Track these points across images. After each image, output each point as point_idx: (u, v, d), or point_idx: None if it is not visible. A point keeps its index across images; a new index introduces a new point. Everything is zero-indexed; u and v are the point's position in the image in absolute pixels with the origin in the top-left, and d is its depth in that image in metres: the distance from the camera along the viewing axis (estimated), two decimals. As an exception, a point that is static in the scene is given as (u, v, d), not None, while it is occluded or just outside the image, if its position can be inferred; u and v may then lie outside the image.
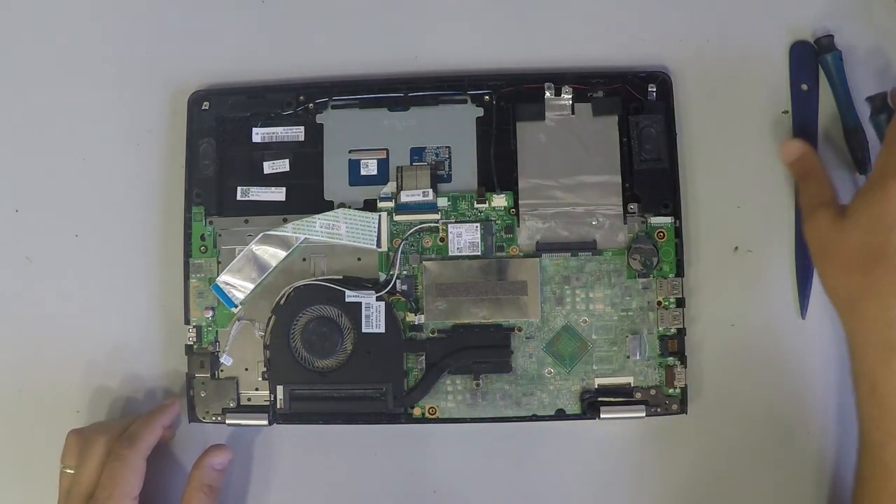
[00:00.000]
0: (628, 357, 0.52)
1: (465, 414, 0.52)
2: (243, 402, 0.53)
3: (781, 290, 0.53)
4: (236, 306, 0.53)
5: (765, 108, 0.54)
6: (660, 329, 0.52)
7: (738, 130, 0.54)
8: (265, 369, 0.53)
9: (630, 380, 0.52)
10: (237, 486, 0.54)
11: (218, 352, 0.53)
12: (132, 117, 0.56)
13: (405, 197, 0.53)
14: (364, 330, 0.52)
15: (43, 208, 0.56)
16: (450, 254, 0.53)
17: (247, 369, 0.53)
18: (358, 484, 0.54)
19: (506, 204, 0.53)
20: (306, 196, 0.54)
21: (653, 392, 0.52)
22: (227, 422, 0.53)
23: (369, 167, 0.54)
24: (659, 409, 0.52)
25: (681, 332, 0.52)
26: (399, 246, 0.53)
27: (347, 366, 0.52)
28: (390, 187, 0.53)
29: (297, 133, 0.54)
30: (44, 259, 0.56)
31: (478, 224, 0.53)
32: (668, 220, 0.52)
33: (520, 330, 0.52)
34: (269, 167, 0.54)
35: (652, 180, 0.53)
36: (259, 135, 0.55)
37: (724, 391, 0.53)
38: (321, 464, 0.54)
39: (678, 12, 0.55)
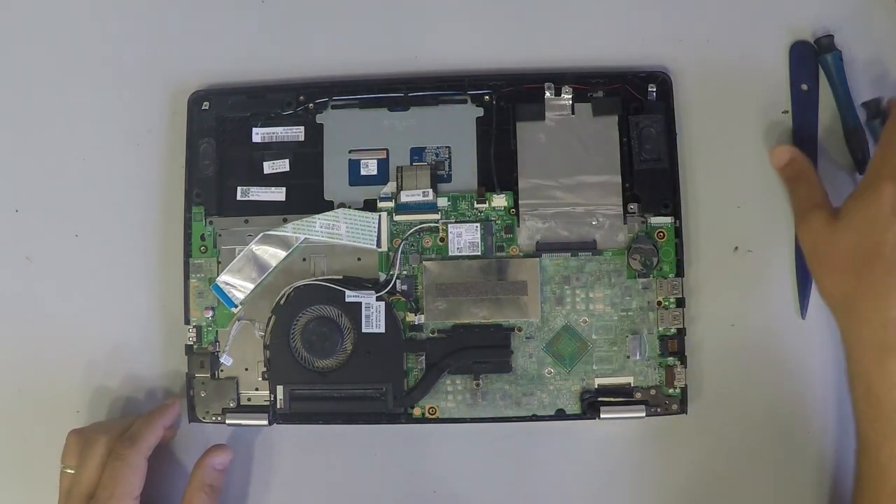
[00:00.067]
0: (628, 357, 0.52)
1: (465, 414, 0.52)
2: (243, 402, 0.53)
3: (781, 290, 0.53)
4: (236, 306, 0.53)
5: (765, 108, 0.54)
6: (660, 329, 0.52)
7: (738, 130, 0.54)
8: (265, 369, 0.53)
9: (630, 380, 0.52)
10: (237, 486, 0.54)
11: (218, 352, 0.53)
12: (132, 117, 0.56)
13: (405, 197, 0.53)
14: (364, 330, 0.52)
15: (43, 208, 0.56)
16: (450, 254, 0.53)
17: (247, 369, 0.53)
18: (358, 484, 0.54)
19: (506, 204, 0.53)
20: (306, 196, 0.54)
21: (653, 392, 0.52)
22: (227, 422, 0.53)
23: (369, 167, 0.54)
24: (659, 409, 0.52)
25: (681, 332, 0.52)
26: (399, 246, 0.53)
27: (347, 366, 0.52)
28: (390, 187, 0.53)
29: (297, 133, 0.54)
30: (44, 259, 0.56)
31: (478, 224, 0.53)
32: (668, 220, 0.52)
33: (520, 330, 0.52)
34: (269, 167, 0.54)
35: (652, 180, 0.53)
36: (259, 135, 0.55)
37: (724, 391, 0.53)
38: (321, 464, 0.54)
39: (678, 12, 0.55)
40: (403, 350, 0.52)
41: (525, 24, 0.56)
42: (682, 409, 0.52)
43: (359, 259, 0.53)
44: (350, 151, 0.54)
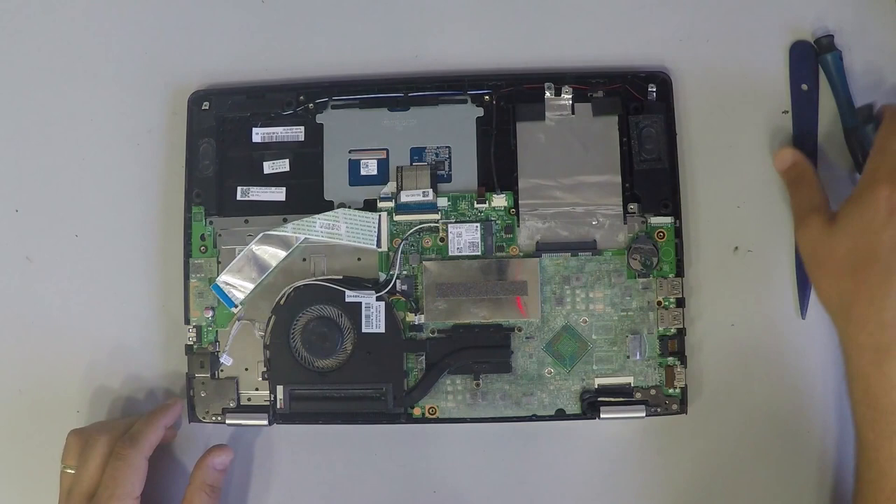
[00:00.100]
0: (628, 357, 0.52)
1: (465, 414, 0.52)
2: (243, 402, 0.53)
3: (781, 290, 0.53)
4: (236, 306, 0.53)
5: (765, 108, 0.54)
6: (660, 329, 0.52)
7: (738, 130, 0.54)
8: (265, 369, 0.53)
9: (630, 380, 0.52)
10: (237, 485, 0.54)
11: (218, 352, 0.53)
12: (132, 117, 0.56)
13: (405, 197, 0.53)
14: (364, 330, 0.52)
15: (43, 208, 0.56)
16: (450, 254, 0.53)
17: (247, 369, 0.53)
18: (358, 484, 0.54)
19: (506, 204, 0.53)
20: (306, 196, 0.54)
21: (653, 392, 0.52)
22: (227, 422, 0.53)
23: (369, 167, 0.54)
24: (659, 409, 0.52)
25: (681, 332, 0.52)
26: (399, 246, 0.53)
27: (347, 366, 0.52)
28: (390, 187, 0.53)
29: (297, 133, 0.54)
30: (44, 259, 0.56)
31: (478, 224, 0.53)
32: (668, 220, 0.52)
33: (520, 330, 0.52)
34: (269, 167, 0.54)
35: (652, 180, 0.53)
36: (259, 135, 0.55)
37: (724, 391, 0.53)
38: (321, 464, 0.54)
39: (678, 12, 0.55)
40: (403, 350, 0.52)
41: (525, 24, 0.56)
42: (682, 409, 0.52)
43: (359, 259, 0.53)
44: (350, 151, 0.54)
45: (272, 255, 0.53)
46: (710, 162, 0.54)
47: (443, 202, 0.53)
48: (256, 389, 0.53)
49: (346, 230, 0.53)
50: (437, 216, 0.53)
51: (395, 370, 0.52)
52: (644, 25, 0.55)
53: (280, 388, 0.52)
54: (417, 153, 0.54)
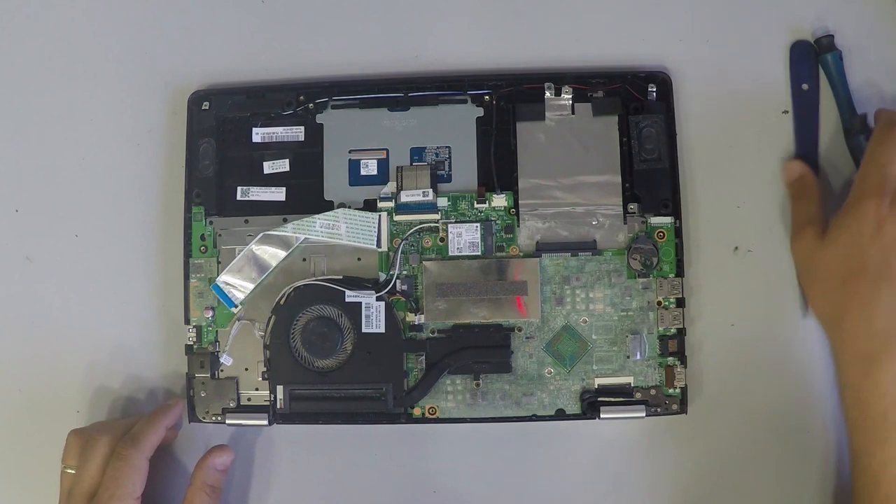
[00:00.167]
0: (628, 357, 0.52)
1: (465, 414, 0.52)
2: (243, 402, 0.53)
3: (781, 290, 0.53)
4: (236, 306, 0.53)
5: (765, 108, 0.54)
6: (660, 329, 0.52)
7: (738, 130, 0.54)
8: (265, 369, 0.53)
9: (630, 380, 0.52)
10: (237, 485, 0.54)
11: (218, 352, 0.53)
12: (132, 117, 0.56)
13: (405, 197, 0.53)
14: (364, 330, 0.52)
15: (43, 208, 0.56)
16: (450, 254, 0.53)
17: (247, 369, 0.53)
18: (358, 484, 0.54)
19: (506, 204, 0.53)
20: (306, 196, 0.54)
21: (653, 392, 0.52)
22: (227, 422, 0.53)
23: (369, 167, 0.54)
24: (659, 409, 0.52)
25: (681, 332, 0.52)
26: (399, 246, 0.53)
27: (347, 366, 0.52)
28: (390, 187, 0.53)
29: (297, 133, 0.54)
30: (44, 259, 0.56)
31: (478, 224, 0.53)
32: (668, 220, 0.52)
33: (520, 330, 0.52)
34: (269, 167, 0.54)
35: (652, 180, 0.53)
36: (259, 135, 0.55)
37: (724, 391, 0.53)
38: (321, 464, 0.54)
39: (678, 12, 0.55)
40: (403, 350, 0.52)
41: (525, 24, 0.56)
42: (682, 409, 0.52)
43: (359, 259, 0.53)
44: (350, 151, 0.54)
45: (272, 255, 0.53)
46: (710, 162, 0.54)
47: (443, 202, 0.53)
48: (256, 389, 0.53)
49: (346, 230, 0.53)
50: (437, 216, 0.53)
51: (395, 370, 0.52)
52: (644, 25, 0.55)
53: (280, 388, 0.52)
54: (417, 153, 0.54)
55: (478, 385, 0.52)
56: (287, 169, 0.54)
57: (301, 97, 0.54)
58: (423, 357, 0.52)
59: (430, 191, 0.53)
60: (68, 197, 0.56)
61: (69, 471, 0.50)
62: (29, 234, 0.56)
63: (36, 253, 0.56)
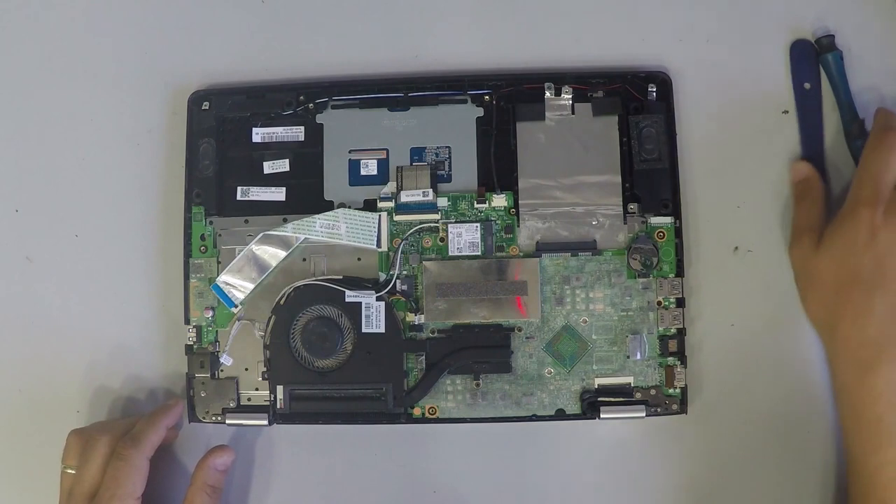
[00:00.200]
0: (628, 357, 0.52)
1: (465, 414, 0.52)
2: (243, 402, 0.53)
3: (781, 290, 0.53)
4: (236, 306, 0.53)
5: (765, 107, 0.54)
6: (660, 329, 0.52)
7: (738, 130, 0.54)
8: (265, 369, 0.53)
9: (630, 380, 0.52)
10: (238, 485, 0.54)
11: (218, 352, 0.53)
12: (132, 117, 0.56)
13: (405, 197, 0.53)
14: (364, 330, 0.52)
15: (43, 208, 0.56)
16: (450, 254, 0.53)
17: (247, 369, 0.53)
18: (358, 484, 0.54)
19: (506, 204, 0.53)
20: (306, 196, 0.54)
21: (653, 392, 0.52)
22: (228, 422, 0.53)
23: (369, 167, 0.54)
24: (659, 409, 0.52)
25: (681, 332, 0.52)
26: (399, 246, 0.53)
27: (347, 366, 0.52)
28: (390, 187, 0.53)
29: (297, 133, 0.54)
30: (44, 259, 0.56)
31: (478, 224, 0.53)
32: (668, 220, 0.52)
33: (520, 330, 0.52)
34: (269, 167, 0.54)
35: (652, 180, 0.53)
36: (259, 135, 0.55)
37: (724, 391, 0.53)
38: (321, 464, 0.54)
39: (678, 12, 0.55)
40: (403, 350, 0.52)
41: (525, 24, 0.56)
42: (682, 409, 0.52)
43: (359, 259, 0.53)
44: (350, 151, 0.54)
45: (272, 255, 0.53)
46: (710, 162, 0.54)
47: (443, 202, 0.53)
48: (256, 389, 0.53)
49: (346, 230, 0.53)
50: (437, 216, 0.53)
51: (395, 370, 0.52)
52: (644, 25, 0.55)
53: (280, 388, 0.52)
54: (417, 153, 0.54)
55: (478, 385, 0.52)
56: (287, 169, 0.54)
57: (301, 97, 0.54)
58: (423, 357, 0.52)
59: (430, 191, 0.53)
60: (68, 197, 0.56)
61: (69, 471, 0.50)
62: (29, 234, 0.56)
63: (36, 253, 0.56)
